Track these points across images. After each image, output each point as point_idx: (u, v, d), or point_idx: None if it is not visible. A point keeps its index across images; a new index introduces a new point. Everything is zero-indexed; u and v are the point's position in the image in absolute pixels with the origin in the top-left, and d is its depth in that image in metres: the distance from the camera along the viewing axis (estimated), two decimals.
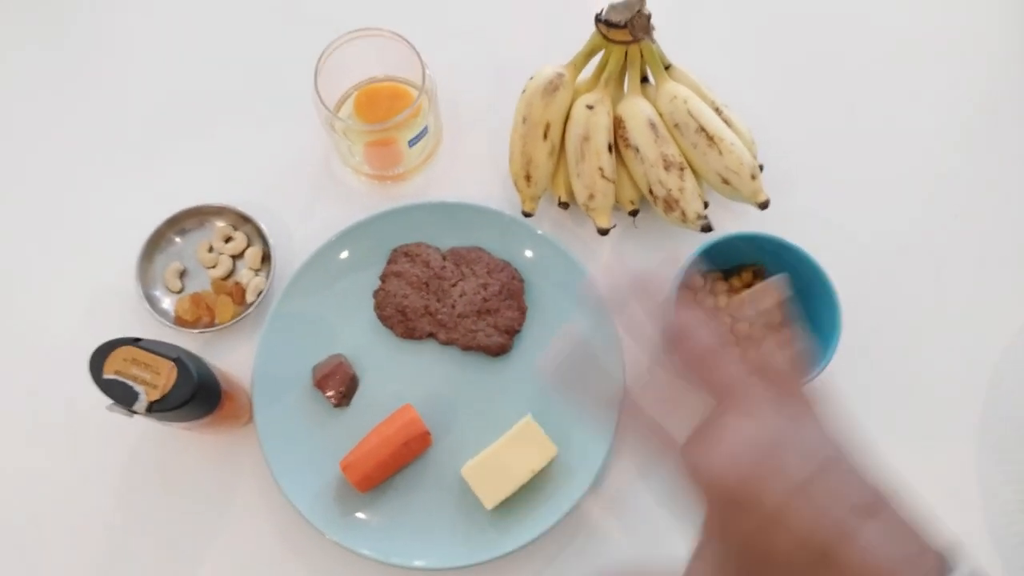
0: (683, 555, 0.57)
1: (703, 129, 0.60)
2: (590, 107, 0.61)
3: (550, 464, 0.56)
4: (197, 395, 0.48)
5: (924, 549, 0.32)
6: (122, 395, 0.47)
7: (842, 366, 0.55)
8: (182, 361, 0.48)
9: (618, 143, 0.62)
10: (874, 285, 0.65)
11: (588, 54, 0.62)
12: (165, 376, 0.48)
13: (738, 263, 0.61)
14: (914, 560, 0.31)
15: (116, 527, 0.59)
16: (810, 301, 0.57)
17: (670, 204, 0.61)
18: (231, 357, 0.62)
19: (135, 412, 0.47)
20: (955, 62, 0.73)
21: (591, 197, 0.62)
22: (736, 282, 0.61)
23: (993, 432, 0.61)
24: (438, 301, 0.62)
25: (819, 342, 0.56)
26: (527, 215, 0.64)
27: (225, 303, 0.62)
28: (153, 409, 0.47)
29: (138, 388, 0.47)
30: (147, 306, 0.61)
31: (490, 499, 0.55)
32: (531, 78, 0.62)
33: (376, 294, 0.62)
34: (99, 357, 0.48)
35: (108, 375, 0.47)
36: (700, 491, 0.36)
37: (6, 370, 0.62)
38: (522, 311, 0.62)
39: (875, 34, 0.73)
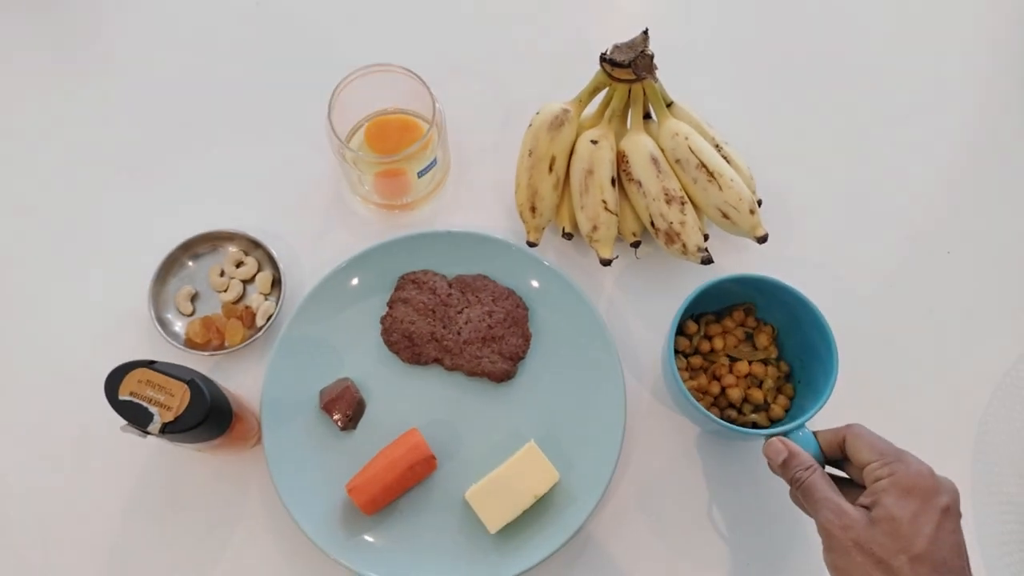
0: (683, 573, 0.58)
1: (704, 165, 0.61)
2: (594, 142, 0.63)
3: (553, 489, 0.57)
4: (209, 417, 0.49)
5: None
6: (136, 416, 0.48)
7: (837, 398, 0.56)
8: (196, 383, 0.49)
9: (621, 177, 0.64)
10: (868, 320, 0.66)
11: (593, 91, 0.64)
12: (179, 398, 0.49)
13: (729, 303, 0.63)
14: None
15: (125, 546, 0.60)
16: (806, 341, 0.59)
17: (671, 237, 0.62)
18: (240, 380, 0.63)
19: (149, 433, 0.48)
20: (954, 105, 0.75)
21: (595, 228, 0.63)
22: (729, 323, 0.62)
23: (986, 464, 0.62)
24: (444, 327, 0.63)
25: (817, 380, 0.57)
26: (532, 245, 0.66)
27: (235, 327, 0.63)
28: (167, 430, 0.48)
29: (152, 409, 0.48)
30: (159, 329, 0.63)
31: (494, 523, 0.56)
32: (537, 113, 0.64)
33: (383, 320, 0.64)
34: (115, 379, 0.49)
35: (123, 396, 0.48)
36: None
37: (20, 390, 0.63)
38: (526, 338, 0.63)
39: (873, 75, 0.76)
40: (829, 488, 0.48)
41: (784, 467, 0.50)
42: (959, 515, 0.45)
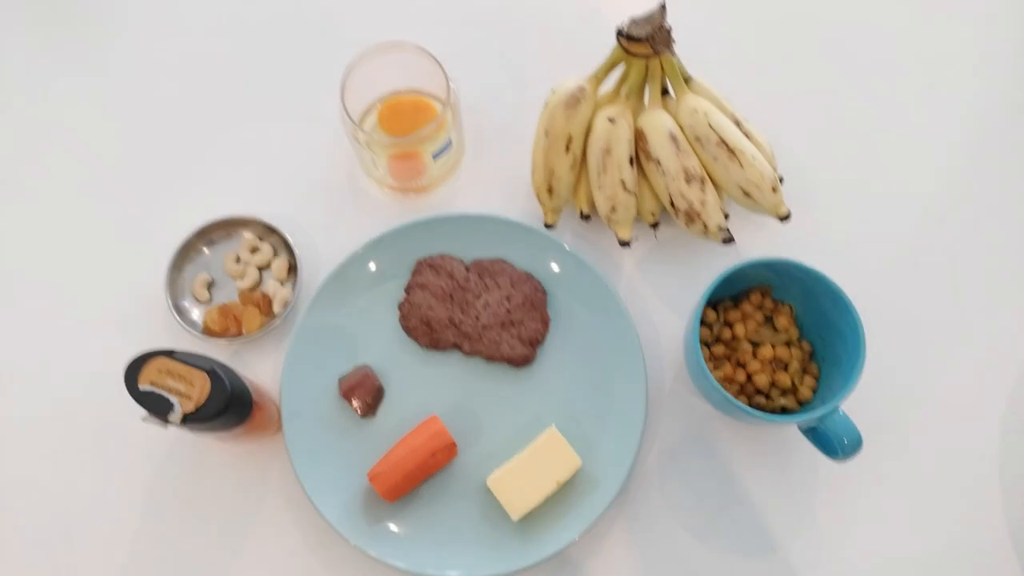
0: (706, 561, 0.58)
1: (724, 142, 0.60)
2: (611, 120, 0.61)
3: (575, 475, 0.57)
4: (230, 406, 0.49)
5: None
6: (157, 406, 0.48)
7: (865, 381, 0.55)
8: (216, 372, 0.49)
9: (639, 156, 0.63)
10: (893, 298, 0.65)
11: (609, 67, 0.63)
12: (199, 387, 0.48)
13: (745, 286, 0.62)
14: None
15: (147, 535, 0.60)
16: (825, 318, 0.58)
17: (691, 216, 0.61)
18: (258, 367, 0.63)
19: (170, 423, 0.48)
20: (977, 80, 0.73)
21: (613, 209, 0.62)
22: (747, 307, 0.61)
23: (1016, 444, 0.61)
24: (462, 312, 0.63)
25: (840, 358, 0.56)
26: (549, 227, 0.65)
27: (252, 314, 0.63)
28: (188, 420, 0.48)
29: (173, 399, 0.48)
30: (176, 317, 0.62)
31: (516, 510, 0.55)
32: (553, 91, 0.63)
33: (401, 306, 0.63)
34: (134, 369, 0.48)
35: (143, 386, 0.48)
36: None
37: (38, 382, 0.63)
38: (545, 322, 0.63)
39: (896, 49, 0.74)
40: None
41: None
42: None
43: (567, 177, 0.63)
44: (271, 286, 0.65)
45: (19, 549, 0.60)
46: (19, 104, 0.72)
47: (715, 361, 0.60)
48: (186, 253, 0.65)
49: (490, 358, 0.62)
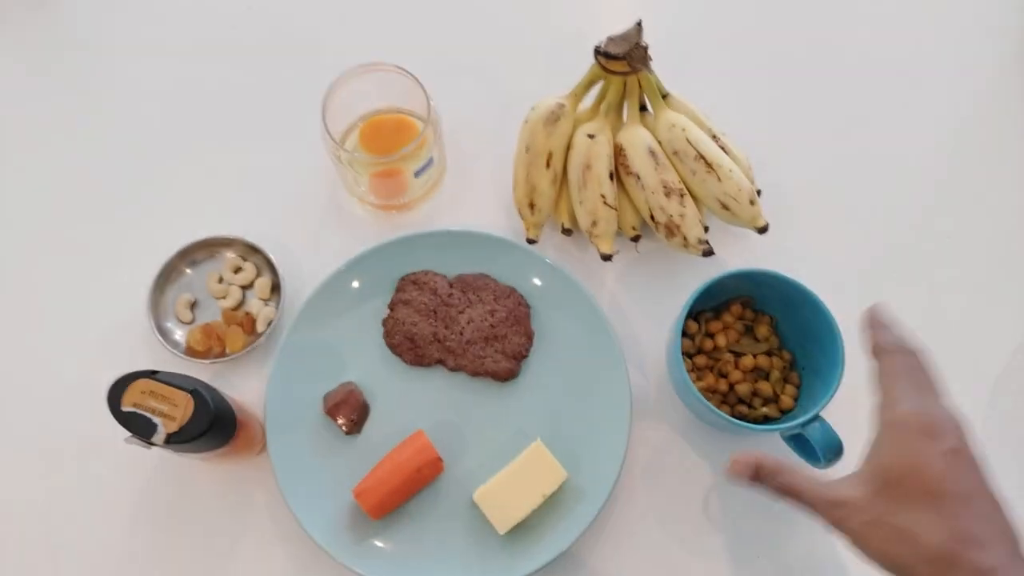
0: (694, 570, 0.58)
1: (702, 156, 0.61)
2: (591, 136, 0.62)
3: (561, 487, 0.57)
4: (214, 426, 0.49)
5: None
6: (140, 427, 0.48)
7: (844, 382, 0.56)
8: (199, 392, 0.49)
9: (619, 171, 0.64)
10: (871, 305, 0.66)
11: (588, 84, 0.64)
12: (182, 408, 0.48)
13: (726, 298, 0.62)
14: None
15: (132, 557, 0.59)
16: (805, 327, 0.58)
17: (671, 230, 0.62)
18: (242, 387, 0.63)
19: (153, 444, 0.48)
20: (952, 92, 0.75)
21: (594, 224, 0.63)
22: (728, 318, 0.62)
23: (994, 452, 0.62)
24: (446, 328, 0.63)
25: (821, 366, 0.57)
26: (531, 242, 0.65)
27: (236, 333, 0.63)
28: (171, 441, 0.48)
29: (156, 420, 0.48)
30: (159, 337, 0.62)
31: (503, 524, 0.55)
32: (533, 108, 0.64)
33: (385, 322, 0.63)
34: (117, 390, 0.48)
35: (126, 408, 0.48)
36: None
37: (20, 403, 0.63)
38: (529, 336, 0.63)
39: (870, 62, 0.75)
40: (811, 484, 0.43)
41: (759, 483, 0.45)
42: (969, 453, 0.40)
43: (548, 192, 0.64)
44: (254, 305, 0.65)
45: (2, 570, 0.59)
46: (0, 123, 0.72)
47: (697, 372, 0.60)
48: (168, 274, 0.65)
49: (475, 373, 0.62)
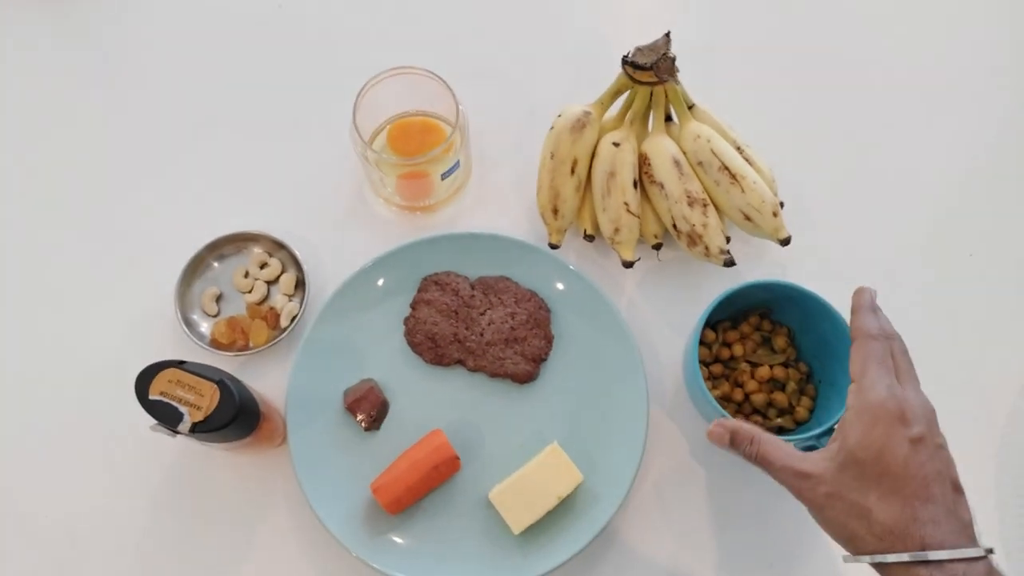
0: None
1: (726, 167, 0.62)
2: (616, 144, 0.63)
3: (576, 490, 0.58)
4: (238, 417, 0.50)
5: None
6: (167, 416, 0.49)
7: None
8: (225, 383, 0.50)
9: (643, 179, 0.64)
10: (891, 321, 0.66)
11: (614, 93, 0.64)
12: (208, 398, 0.49)
13: (744, 308, 0.63)
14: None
15: (152, 544, 0.60)
16: (822, 340, 0.59)
17: (693, 239, 0.63)
18: (265, 380, 0.64)
19: (179, 432, 0.49)
20: (975, 103, 0.75)
21: (616, 231, 0.64)
22: (746, 328, 0.62)
23: (1012, 465, 0.62)
24: (467, 329, 0.64)
25: (838, 379, 0.57)
26: (554, 247, 0.66)
27: (260, 327, 0.64)
28: (196, 430, 0.49)
29: (182, 409, 0.49)
30: (185, 329, 0.63)
31: (518, 524, 0.56)
32: (559, 115, 0.64)
33: (406, 321, 0.64)
34: (145, 378, 0.49)
35: (154, 396, 0.49)
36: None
37: (48, 391, 0.64)
38: (548, 340, 0.64)
39: (894, 74, 0.76)
40: (782, 452, 0.45)
41: (734, 448, 0.47)
42: (935, 441, 0.42)
43: (572, 199, 0.64)
44: (279, 300, 0.66)
45: (27, 555, 0.60)
46: (27, 117, 0.74)
47: (713, 380, 0.61)
48: (196, 267, 0.66)
49: (494, 374, 0.63)
